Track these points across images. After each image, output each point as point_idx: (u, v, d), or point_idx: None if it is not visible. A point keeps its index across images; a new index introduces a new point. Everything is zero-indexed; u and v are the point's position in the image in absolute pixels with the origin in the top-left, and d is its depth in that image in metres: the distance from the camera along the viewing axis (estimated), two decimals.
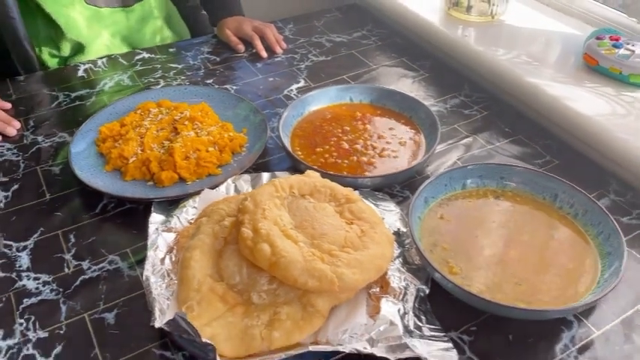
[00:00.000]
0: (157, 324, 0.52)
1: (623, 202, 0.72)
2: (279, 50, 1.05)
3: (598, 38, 0.86)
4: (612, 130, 0.74)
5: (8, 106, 0.90)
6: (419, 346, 0.53)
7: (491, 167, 0.70)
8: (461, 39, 0.97)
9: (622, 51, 0.82)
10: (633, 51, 0.82)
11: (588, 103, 0.79)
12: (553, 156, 0.80)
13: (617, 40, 0.84)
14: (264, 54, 1.04)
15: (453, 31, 1.00)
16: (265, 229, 0.55)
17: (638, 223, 0.69)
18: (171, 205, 0.69)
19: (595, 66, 0.85)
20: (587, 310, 0.58)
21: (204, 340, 0.50)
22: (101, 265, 0.64)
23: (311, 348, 0.51)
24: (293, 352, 0.51)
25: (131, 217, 0.70)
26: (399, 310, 0.55)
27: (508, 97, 0.88)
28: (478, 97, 0.93)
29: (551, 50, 0.94)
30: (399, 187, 0.74)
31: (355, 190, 0.66)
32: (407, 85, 0.96)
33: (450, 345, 0.54)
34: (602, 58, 0.83)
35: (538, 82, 0.83)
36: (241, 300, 0.55)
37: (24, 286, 0.62)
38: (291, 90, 0.95)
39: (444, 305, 0.58)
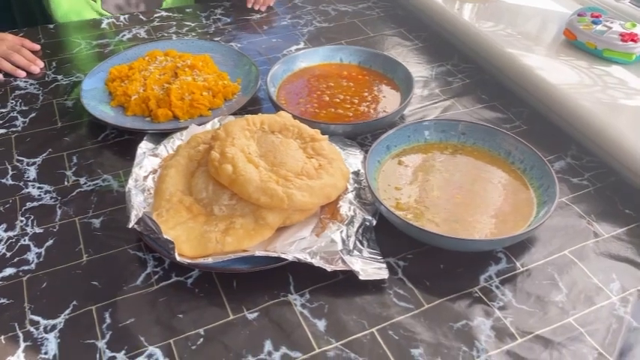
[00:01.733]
0: (130, 225, 0.61)
1: (577, 165, 0.77)
2: (263, 8, 1.13)
3: (580, 15, 0.90)
4: (575, 98, 0.78)
5: (37, 47, 1.01)
6: (355, 262, 0.60)
7: (453, 123, 0.76)
8: (456, 14, 1.02)
9: (599, 27, 0.86)
10: (610, 27, 0.86)
11: (558, 74, 0.84)
12: (522, 122, 0.85)
13: (597, 17, 0.88)
14: (249, 5, 1.12)
15: (450, 5, 1.06)
16: (231, 153, 0.63)
17: (587, 184, 0.74)
18: (162, 137, 0.78)
19: (574, 40, 0.89)
20: (517, 250, 0.64)
21: (165, 236, 0.58)
22: (95, 182, 0.74)
23: (257, 253, 0.59)
24: (241, 255, 0.59)
25: (128, 146, 0.79)
26: (341, 232, 0.62)
27: (490, 67, 0.94)
28: (464, 67, 0.98)
29: (538, 26, 0.98)
30: (371, 138, 0.81)
31: (324, 135, 0.73)
32: (399, 52, 1.02)
33: (384, 265, 0.61)
34: (580, 33, 0.87)
35: (515, 53, 0.88)
36: (204, 211, 0.63)
37: (29, 193, 0.72)
38: (290, 50, 1.03)
39: (387, 236, 0.65)
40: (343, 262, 0.60)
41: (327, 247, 0.60)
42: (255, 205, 0.61)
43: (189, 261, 0.59)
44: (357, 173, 0.71)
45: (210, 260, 0.59)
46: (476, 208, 0.67)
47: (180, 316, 0.57)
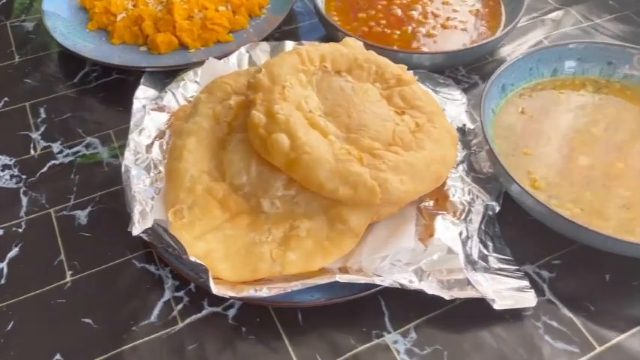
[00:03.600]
0: (135, 231, 0.40)
1: None
2: None
3: None
4: None
5: None
6: (483, 282, 0.40)
7: (596, 48, 0.53)
8: None
9: None
10: None
11: None
12: None
13: None
14: None
15: None
16: (284, 113, 0.41)
17: None
18: (167, 78, 0.55)
19: None
20: None
21: (192, 259, 0.37)
22: (76, 149, 0.52)
23: (339, 278, 0.38)
24: (314, 282, 0.38)
25: (118, 90, 0.57)
26: (460, 233, 0.41)
27: None
28: None
29: None
30: (465, 71, 0.58)
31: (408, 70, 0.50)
32: None
33: (526, 283, 0.41)
34: None
35: None
36: (247, 207, 0.42)
37: None
38: None
39: (517, 230, 0.45)
40: (468, 284, 0.39)
41: (444, 263, 0.40)
42: (327, 199, 0.40)
43: (231, 294, 0.38)
44: (462, 131, 0.49)
45: (264, 292, 0.38)
46: None
47: None
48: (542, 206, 0.42)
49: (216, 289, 0.38)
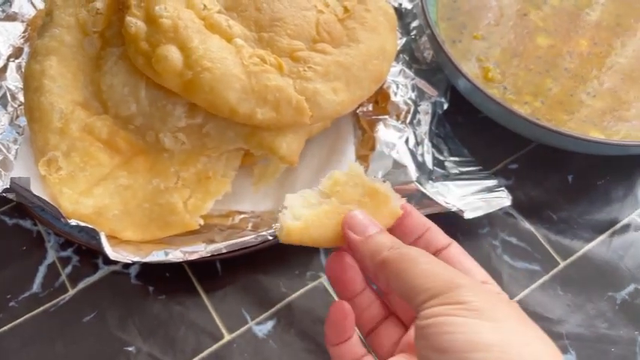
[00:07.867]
0: None
1: None
2: None
3: None
4: None
5: None
6: (445, 192, 0.36)
7: None
8: None
9: None
10: None
11: None
12: None
13: None
14: None
15: None
16: (170, 16, 0.33)
17: None
18: None
19: None
20: None
21: (72, 222, 0.31)
22: None
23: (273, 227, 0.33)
24: (243, 241, 0.33)
25: None
26: (406, 140, 0.36)
27: None
28: None
29: None
30: None
31: None
32: None
33: (495, 182, 0.38)
34: None
35: None
36: (144, 146, 0.35)
37: None
38: None
39: (467, 131, 0.41)
40: (425, 197, 0.35)
41: (392, 179, 0.35)
42: (245, 124, 0.34)
43: (135, 258, 0.32)
44: (399, 12, 0.43)
45: (178, 255, 0.33)
46: (632, 72, 0.41)
47: (129, 349, 0.33)
48: (495, 104, 0.37)
49: (113, 255, 0.32)
